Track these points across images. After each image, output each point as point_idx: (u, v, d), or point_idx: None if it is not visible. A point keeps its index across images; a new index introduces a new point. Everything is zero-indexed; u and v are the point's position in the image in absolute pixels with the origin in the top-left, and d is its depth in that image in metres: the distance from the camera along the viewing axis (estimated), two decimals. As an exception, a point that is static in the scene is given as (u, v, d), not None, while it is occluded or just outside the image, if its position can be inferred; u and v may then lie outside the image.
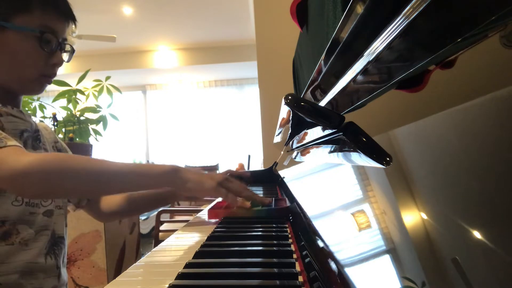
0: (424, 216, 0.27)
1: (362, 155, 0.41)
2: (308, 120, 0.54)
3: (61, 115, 2.10)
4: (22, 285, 0.75)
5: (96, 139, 2.20)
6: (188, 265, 0.49)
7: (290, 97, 0.54)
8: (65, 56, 0.86)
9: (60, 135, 2.07)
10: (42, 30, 0.78)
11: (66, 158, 0.72)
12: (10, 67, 0.78)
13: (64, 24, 0.83)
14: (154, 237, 2.43)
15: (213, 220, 0.87)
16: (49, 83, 0.85)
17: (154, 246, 2.10)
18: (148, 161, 5.92)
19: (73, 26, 0.86)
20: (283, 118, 0.96)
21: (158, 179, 0.75)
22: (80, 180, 0.69)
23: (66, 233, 0.89)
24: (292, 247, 0.57)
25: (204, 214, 0.97)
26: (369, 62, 0.39)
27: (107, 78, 2.42)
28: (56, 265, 0.83)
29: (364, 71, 0.43)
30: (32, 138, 0.84)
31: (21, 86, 0.82)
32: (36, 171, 0.64)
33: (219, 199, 1.08)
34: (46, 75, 0.82)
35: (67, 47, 0.86)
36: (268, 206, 0.87)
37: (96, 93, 2.36)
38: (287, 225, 0.74)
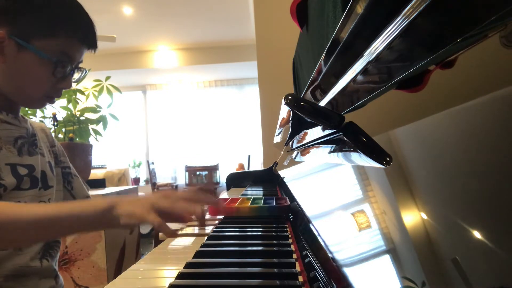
0: (424, 216, 0.27)
1: (362, 155, 0.41)
2: (308, 120, 0.54)
3: (61, 115, 2.10)
4: (14, 286, 0.74)
5: (96, 139, 2.20)
6: (188, 265, 0.49)
7: (290, 97, 0.54)
8: (76, 75, 0.85)
9: (60, 135, 2.07)
10: (59, 58, 0.76)
11: None
12: (18, 83, 0.77)
13: (84, 51, 0.82)
14: (154, 237, 2.43)
15: (213, 219, 0.87)
16: (52, 103, 0.84)
17: (154, 246, 2.10)
18: (148, 161, 5.92)
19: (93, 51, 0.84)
20: (283, 118, 0.96)
21: (91, 221, 0.62)
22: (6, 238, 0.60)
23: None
24: (292, 247, 0.57)
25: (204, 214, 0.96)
26: (369, 62, 0.39)
27: (107, 78, 2.42)
28: (53, 267, 0.83)
29: (364, 71, 0.43)
30: (28, 143, 0.83)
31: (23, 101, 0.82)
32: None
33: (221, 197, 1.08)
34: (50, 97, 0.81)
35: (80, 70, 0.84)
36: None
37: (96, 93, 2.36)
38: (287, 225, 0.74)
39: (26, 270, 0.76)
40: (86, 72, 0.86)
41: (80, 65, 0.84)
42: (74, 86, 0.86)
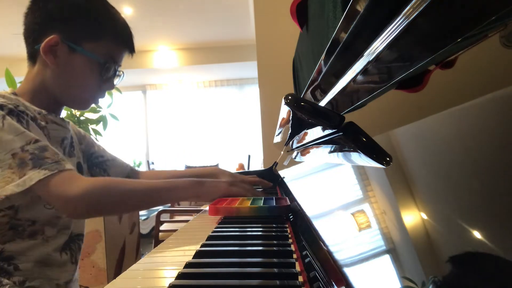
0: (424, 216, 0.27)
1: (362, 155, 0.41)
2: (308, 120, 0.54)
3: (61, 115, 2.10)
4: (39, 273, 0.78)
5: (96, 139, 2.20)
6: (188, 265, 0.49)
7: (290, 97, 0.54)
8: (117, 78, 0.90)
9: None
10: (106, 59, 0.82)
11: (113, 184, 0.75)
12: (68, 85, 0.83)
13: (124, 55, 0.88)
14: (154, 237, 2.43)
15: (213, 219, 0.87)
16: (96, 103, 0.91)
17: (154, 246, 2.10)
18: (148, 161, 5.92)
19: (131, 56, 0.92)
20: (283, 118, 0.96)
21: (186, 192, 0.82)
22: (127, 202, 0.76)
23: (84, 229, 0.93)
24: (292, 247, 0.57)
25: (204, 214, 0.97)
26: (369, 62, 0.39)
27: (107, 78, 2.42)
28: (71, 261, 0.85)
29: (364, 71, 0.43)
30: (69, 145, 0.88)
31: (70, 102, 0.88)
32: (89, 198, 0.69)
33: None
34: (95, 98, 0.87)
35: (119, 73, 0.90)
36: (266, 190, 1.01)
37: (96, 93, 2.36)
38: (287, 225, 0.74)
39: (48, 260, 0.80)
40: (123, 75, 0.91)
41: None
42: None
